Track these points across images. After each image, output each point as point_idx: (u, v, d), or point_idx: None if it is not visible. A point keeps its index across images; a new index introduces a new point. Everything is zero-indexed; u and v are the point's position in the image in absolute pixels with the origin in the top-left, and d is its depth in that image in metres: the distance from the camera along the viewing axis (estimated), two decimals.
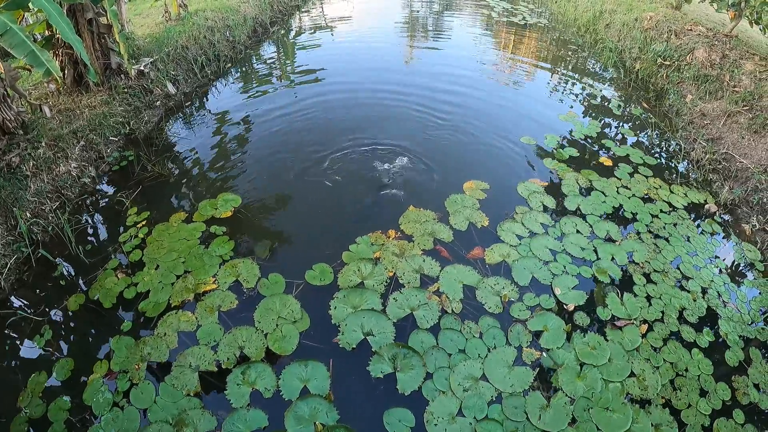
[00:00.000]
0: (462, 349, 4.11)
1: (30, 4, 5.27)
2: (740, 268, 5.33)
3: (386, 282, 4.65)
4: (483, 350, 4.10)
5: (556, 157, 6.73)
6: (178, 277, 4.66)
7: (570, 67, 10.46)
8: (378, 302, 4.44)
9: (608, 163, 6.73)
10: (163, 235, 5.11)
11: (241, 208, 5.54)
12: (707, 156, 6.89)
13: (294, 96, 8.27)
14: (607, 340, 4.26)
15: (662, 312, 4.59)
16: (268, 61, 10.14)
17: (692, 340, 4.38)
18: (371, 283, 4.62)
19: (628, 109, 8.48)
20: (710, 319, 4.64)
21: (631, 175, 6.48)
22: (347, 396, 3.78)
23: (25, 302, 4.55)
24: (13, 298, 4.58)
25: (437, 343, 4.13)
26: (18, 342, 4.22)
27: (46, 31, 6.65)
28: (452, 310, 4.42)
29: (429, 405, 3.71)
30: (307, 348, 4.10)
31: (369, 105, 7.89)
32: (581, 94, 9.05)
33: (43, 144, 5.86)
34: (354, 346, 4.11)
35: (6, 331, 4.27)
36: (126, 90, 7.37)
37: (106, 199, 5.82)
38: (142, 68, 7.71)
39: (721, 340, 4.44)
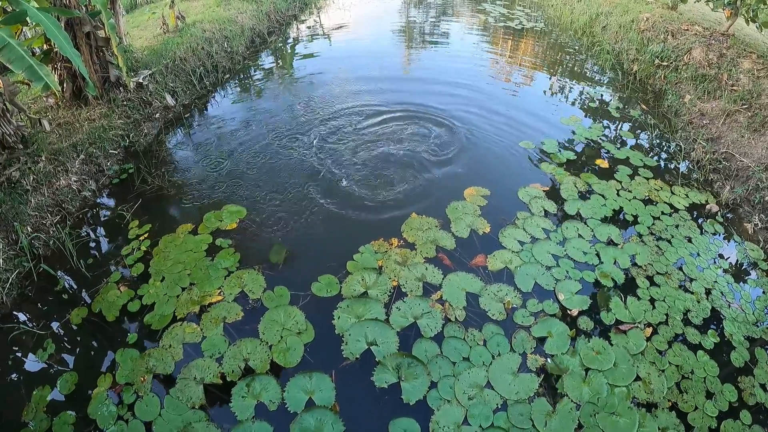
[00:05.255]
0: (466, 357, 4.09)
1: (28, 19, 5.28)
2: (743, 267, 5.32)
3: (390, 291, 4.64)
4: (487, 358, 4.09)
5: (555, 161, 6.73)
6: (183, 289, 4.65)
7: (568, 71, 10.49)
8: (381, 312, 4.43)
9: (606, 165, 6.73)
10: (169, 247, 5.11)
11: (246, 220, 5.54)
12: (707, 156, 6.89)
13: (293, 105, 8.29)
14: (611, 345, 4.25)
15: (666, 314, 4.58)
16: (267, 71, 10.16)
17: (697, 342, 4.37)
18: (375, 293, 4.61)
19: (626, 111, 8.49)
20: (715, 320, 4.63)
21: (632, 177, 6.48)
22: (352, 407, 3.77)
23: (28, 316, 4.54)
24: (15, 312, 4.56)
25: (441, 352, 4.12)
26: (21, 356, 4.20)
27: (45, 45, 6.65)
28: (455, 318, 4.41)
29: (434, 414, 3.70)
30: (311, 360, 4.08)
31: (368, 112, 7.89)
32: (579, 97, 9.07)
33: (43, 158, 5.87)
34: (358, 356, 4.10)
35: (9, 346, 4.26)
36: (125, 103, 7.38)
37: (107, 213, 5.82)
38: (140, 81, 7.73)
39: (726, 340, 4.43)
